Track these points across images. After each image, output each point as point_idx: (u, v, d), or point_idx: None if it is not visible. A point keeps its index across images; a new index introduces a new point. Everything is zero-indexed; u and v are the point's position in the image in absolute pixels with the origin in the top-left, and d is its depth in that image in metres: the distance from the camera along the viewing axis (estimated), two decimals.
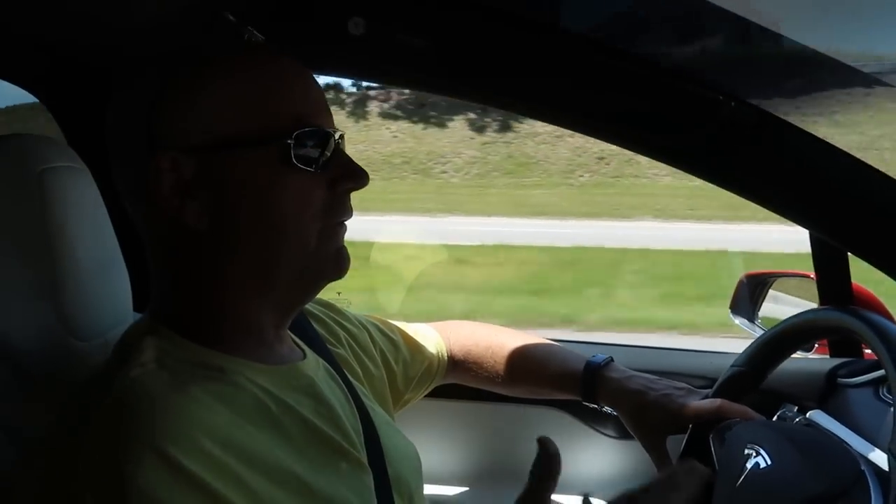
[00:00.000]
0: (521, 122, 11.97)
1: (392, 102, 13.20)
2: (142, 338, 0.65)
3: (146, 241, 0.70)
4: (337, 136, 0.68)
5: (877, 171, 0.92)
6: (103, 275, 0.80)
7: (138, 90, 0.68)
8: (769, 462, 0.73)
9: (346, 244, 0.70)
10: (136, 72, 0.69)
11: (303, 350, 0.75)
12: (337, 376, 0.77)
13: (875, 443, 0.84)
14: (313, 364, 0.74)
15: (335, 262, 0.69)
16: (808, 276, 1.25)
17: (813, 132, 0.91)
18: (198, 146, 0.65)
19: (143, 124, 0.66)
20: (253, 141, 0.65)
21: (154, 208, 0.65)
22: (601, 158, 11.82)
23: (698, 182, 0.96)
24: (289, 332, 0.75)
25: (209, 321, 0.67)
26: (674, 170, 0.96)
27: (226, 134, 0.65)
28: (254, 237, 0.66)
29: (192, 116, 0.65)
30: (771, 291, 1.43)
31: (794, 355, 0.94)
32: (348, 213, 0.70)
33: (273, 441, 0.62)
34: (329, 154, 0.67)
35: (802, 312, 0.89)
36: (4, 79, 1.07)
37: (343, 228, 0.70)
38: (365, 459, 0.70)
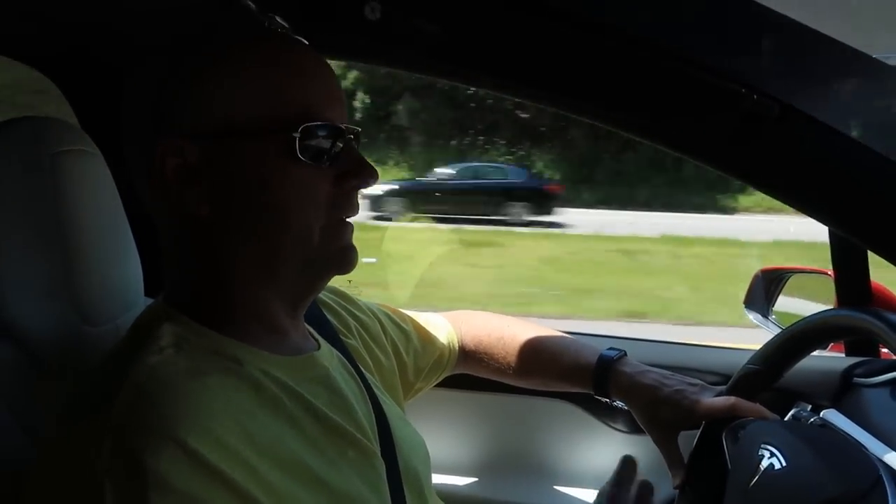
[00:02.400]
0: None
1: None
2: (158, 323, 0.64)
3: (157, 226, 0.69)
4: (349, 132, 0.67)
5: None
6: (115, 260, 0.79)
7: (149, 73, 0.67)
8: (784, 463, 0.72)
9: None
10: (149, 55, 0.68)
11: (317, 340, 0.75)
12: (350, 367, 0.77)
13: (891, 444, 0.83)
14: (328, 355, 0.74)
15: (340, 258, 0.68)
16: (825, 273, 1.23)
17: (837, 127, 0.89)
18: (203, 133, 0.64)
19: (151, 108, 0.65)
20: (258, 131, 0.64)
21: (157, 193, 0.65)
22: None
23: None
24: (304, 322, 0.74)
25: (222, 309, 0.67)
26: None
27: (231, 122, 0.64)
28: (254, 228, 0.65)
29: (199, 103, 0.65)
30: (786, 287, 1.41)
31: None
32: (354, 209, 0.69)
33: (287, 433, 0.62)
34: (338, 150, 0.66)
35: (822, 312, 0.87)
36: (19, 60, 1.07)
37: (349, 226, 0.69)
38: (378, 450, 0.70)
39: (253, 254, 0.66)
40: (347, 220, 0.69)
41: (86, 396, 0.61)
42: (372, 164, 0.69)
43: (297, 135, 0.63)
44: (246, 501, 0.55)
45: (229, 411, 0.58)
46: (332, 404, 0.68)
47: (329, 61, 0.71)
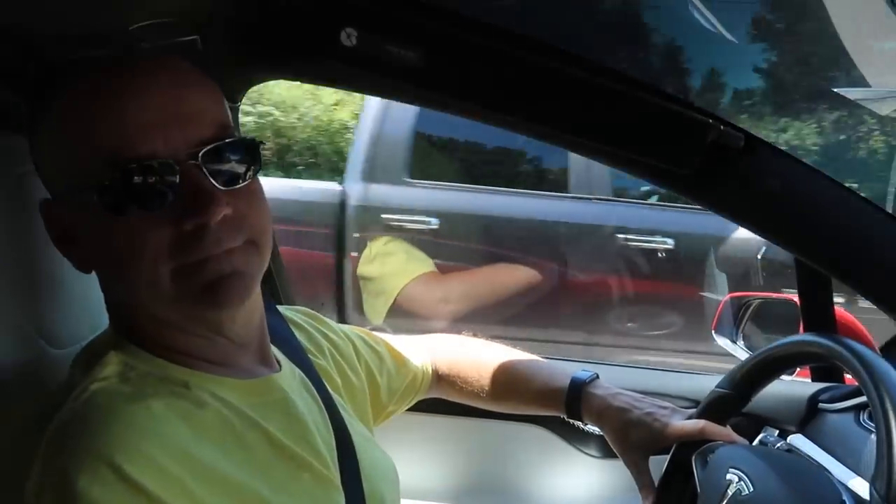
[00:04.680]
0: None
1: None
2: (106, 350, 0.64)
3: None
4: (191, 158, 0.59)
5: (862, 197, 0.93)
6: (80, 281, 0.78)
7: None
8: (751, 488, 0.73)
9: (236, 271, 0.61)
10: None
11: (279, 362, 0.74)
12: (314, 389, 0.76)
13: (855, 469, 0.85)
14: (288, 377, 0.73)
15: (207, 296, 0.61)
16: (791, 300, 1.26)
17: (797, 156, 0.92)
18: (54, 194, 0.65)
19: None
20: (77, 188, 0.60)
21: None
22: None
23: None
24: (267, 343, 0.73)
25: (159, 340, 0.65)
26: None
27: (62, 181, 0.63)
28: (116, 284, 0.65)
29: (45, 161, 0.65)
30: (753, 313, 1.44)
31: None
32: (208, 248, 0.60)
33: (235, 459, 0.61)
34: (167, 186, 0.58)
35: (788, 338, 0.89)
36: None
37: (207, 264, 0.60)
38: (336, 476, 0.69)
39: (135, 303, 0.64)
40: (209, 258, 0.60)
41: (30, 423, 0.61)
42: (219, 188, 0.59)
43: (107, 184, 0.58)
44: None
45: (171, 436, 0.57)
46: (287, 429, 0.67)
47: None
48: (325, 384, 0.79)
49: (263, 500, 0.61)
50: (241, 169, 0.63)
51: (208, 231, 0.59)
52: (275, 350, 0.75)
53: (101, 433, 0.55)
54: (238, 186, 0.62)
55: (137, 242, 0.59)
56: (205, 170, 0.59)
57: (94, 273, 0.80)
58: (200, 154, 0.59)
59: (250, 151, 0.63)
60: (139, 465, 0.54)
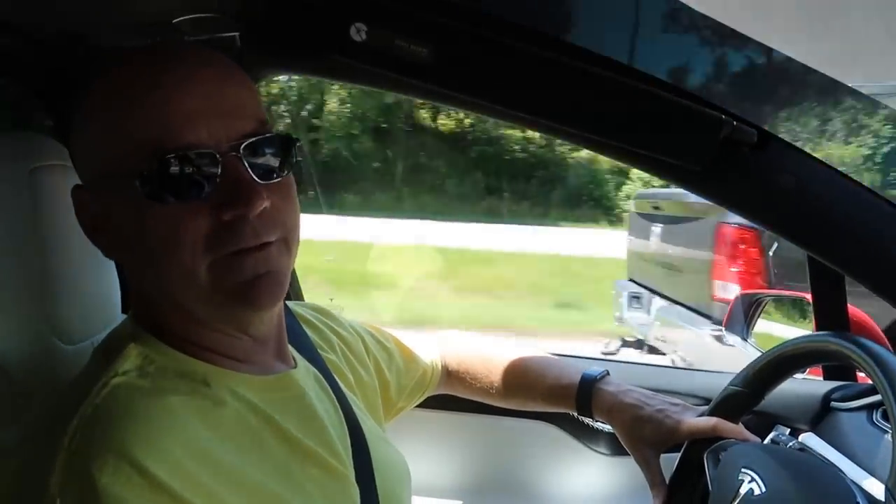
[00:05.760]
0: None
1: None
2: (125, 343, 0.63)
3: None
4: (233, 150, 0.59)
5: (876, 193, 0.92)
6: (92, 277, 0.78)
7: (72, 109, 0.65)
8: (763, 489, 0.72)
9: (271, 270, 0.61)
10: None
11: (294, 359, 0.74)
12: (327, 385, 0.76)
13: (868, 469, 0.84)
14: (304, 373, 0.73)
15: (242, 293, 0.61)
16: (803, 298, 1.25)
17: (810, 151, 0.91)
18: (88, 181, 0.64)
19: (70, 150, 0.66)
20: (115, 175, 0.60)
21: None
22: None
23: None
24: (285, 340, 0.73)
25: (182, 333, 0.65)
26: None
27: (98, 168, 0.63)
28: (147, 273, 0.63)
29: (81, 147, 0.64)
30: (765, 311, 1.43)
31: None
32: (246, 240, 0.60)
33: (252, 457, 0.61)
34: (211, 175, 0.59)
35: (802, 337, 0.88)
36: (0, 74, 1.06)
37: (245, 258, 0.60)
38: (351, 473, 0.69)
39: (164, 294, 0.63)
40: (245, 250, 0.60)
41: (48, 417, 0.60)
42: (258, 181, 0.60)
43: (148, 173, 0.58)
44: None
45: (190, 434, 0.57)
46: (303, 427, 0.67)
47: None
48: (338, 380, 0.79)
49: (279, 498, 0.61)
50: (276, 164, 0.63)
51: (246, 223, 0.60)
52: (289, 347, 0.75)
53: (121, 430, 0.55)
54: (274, 181, 0.63)
55: (176, 232, 0.59)
56: (245, 162, 0.60)
57: (106, 269, 0.81)
58: (242, 147, 0.60)
59: (286, 147, 0.64)
60: (160, 462, 0.54)
